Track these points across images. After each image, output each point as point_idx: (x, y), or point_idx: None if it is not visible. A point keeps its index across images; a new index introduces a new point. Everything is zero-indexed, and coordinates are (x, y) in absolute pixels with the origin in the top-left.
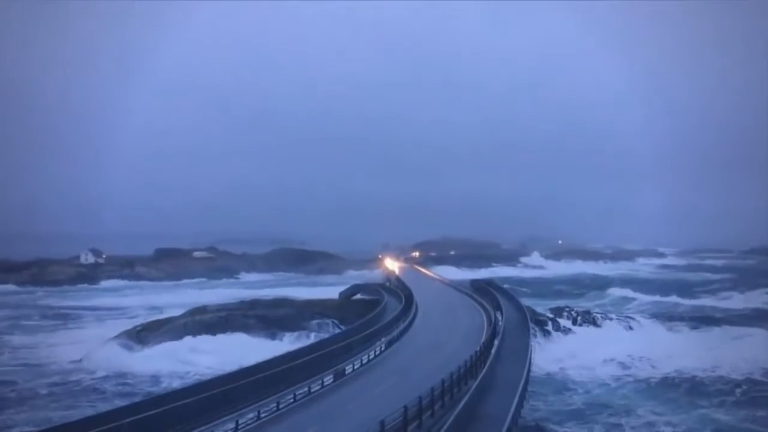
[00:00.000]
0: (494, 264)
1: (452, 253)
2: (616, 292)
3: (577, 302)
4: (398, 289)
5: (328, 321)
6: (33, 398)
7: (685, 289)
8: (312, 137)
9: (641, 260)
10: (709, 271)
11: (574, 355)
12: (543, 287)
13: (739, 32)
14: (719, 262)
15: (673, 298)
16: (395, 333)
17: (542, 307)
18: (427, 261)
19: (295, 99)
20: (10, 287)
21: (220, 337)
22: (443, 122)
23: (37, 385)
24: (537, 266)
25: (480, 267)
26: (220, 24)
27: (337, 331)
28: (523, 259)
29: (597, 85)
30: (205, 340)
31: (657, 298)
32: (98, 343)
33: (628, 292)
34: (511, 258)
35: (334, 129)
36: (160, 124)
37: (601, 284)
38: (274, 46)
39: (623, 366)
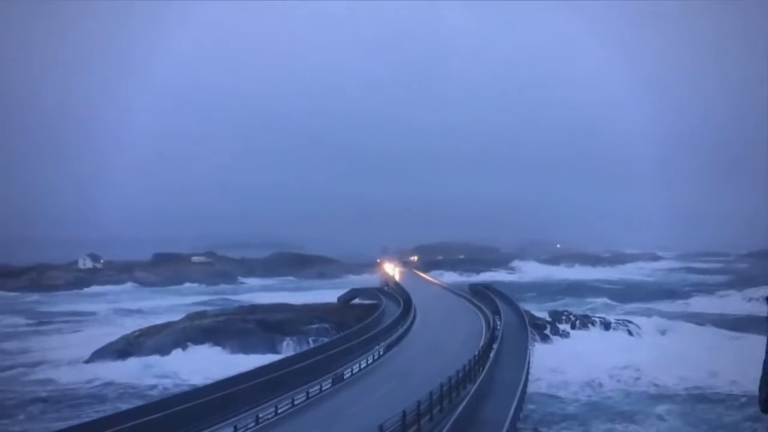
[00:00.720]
0: (493, 268)
1: (450, 257)
2: (594, 300)
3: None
4: (397, 294)
5: (327, 325)
6: (31, 404)
7: (671, 293)
8: (309, 140)
9: (639, 263)
10: (703, 274)
11: (573, 361)
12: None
13: (740, 32)
14: (715, 266)
15: (654, 304)
16: (393, 338)
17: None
18: (426, 265)
19: (292, 101)
20: (8, 293)
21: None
22: (441, 125)
23: (34, 391)
24: (522, 271)
25: (478, 271)
26: (218, 26)
27: (335, 335)
28: (514, 264)
29: (596, 87)
30: (193, 353)
31: (630, 305)
32: (94, 349)
33: (605, 300)
34: (502, 263)
35: (332, 132)
36: (159, 127)
37: (583, 289)
38: (272, 48)
39: (623, 373)
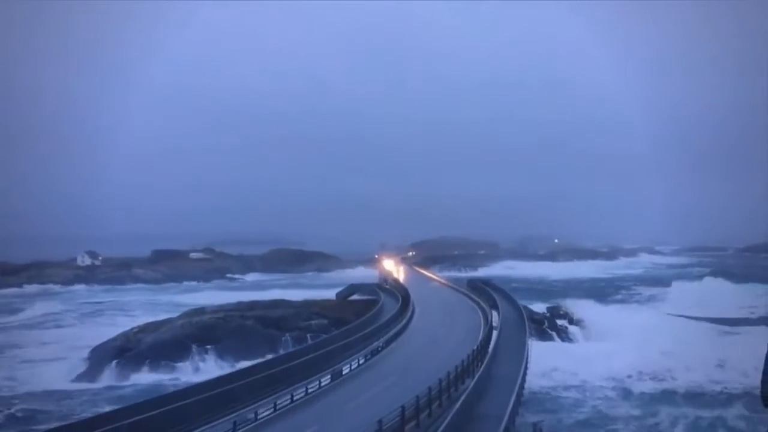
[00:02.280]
0: (491, 264)
1: (449, 253)
2: (591, 295)
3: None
4: (395, 289)
5: (326, 321)
6: (32, 401)
7: (669, 288)
8: (306, 137)
9: (637, 258)
10: (699, 268)
11: (571, 360)
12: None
13: (738, 26)
14: (711, 260)
15: (651, 299)
16: (391, 333)
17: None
18: (425, 261)
19: (291, 98)
20: (4, 290)
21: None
22: (439, 122)
23: (33, 391)
24: (517, 268)
25: (476, 267)
26: (215, 26)
27: (334, 331)
28: (508, 263)
29: (593, 82)
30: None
31: (628, 301)
32: (93, 345)
33: (603, 295)
34: (500, 258)
35: (330, 129)
36: (156, 124)
37: (580, 285)
38: (265, 46)
39: (623, 372)
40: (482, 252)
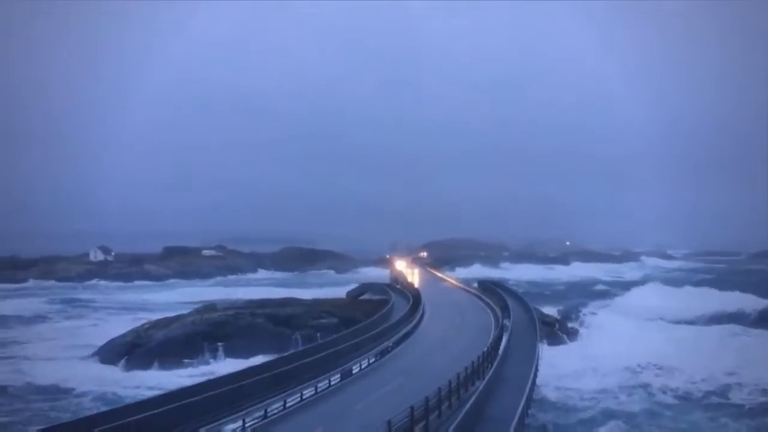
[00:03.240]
0: (502, 265)
1: (460, 254)
2: (604, 298)
3: None
4: (406, 289)
5: (335, 320)
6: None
7: (681, 292)
8: (318, 136)
9: (649, 261)
10: (711, 274)
11: (584, 363)
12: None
13: (740, 30)
14: (723, 267)
15: (663, 304)
16: (401, 334)
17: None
18: (435, 261)
19: (301, 97)
20: (13, 285)
21: None
22: (450, 123)
23: (36, 389)
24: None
25: (486, 267)
26: (217, 27)
27: (345, 330)
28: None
29: (602, 84)
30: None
31: (640, 304)
32: (103, 343)
33: (615, 298)
34: (510, 260)
35: (341, 129)
36: (168, 123)
37: (592, 288)
38: (278, 45)
39: (635, 377)
40: (492, 253)
